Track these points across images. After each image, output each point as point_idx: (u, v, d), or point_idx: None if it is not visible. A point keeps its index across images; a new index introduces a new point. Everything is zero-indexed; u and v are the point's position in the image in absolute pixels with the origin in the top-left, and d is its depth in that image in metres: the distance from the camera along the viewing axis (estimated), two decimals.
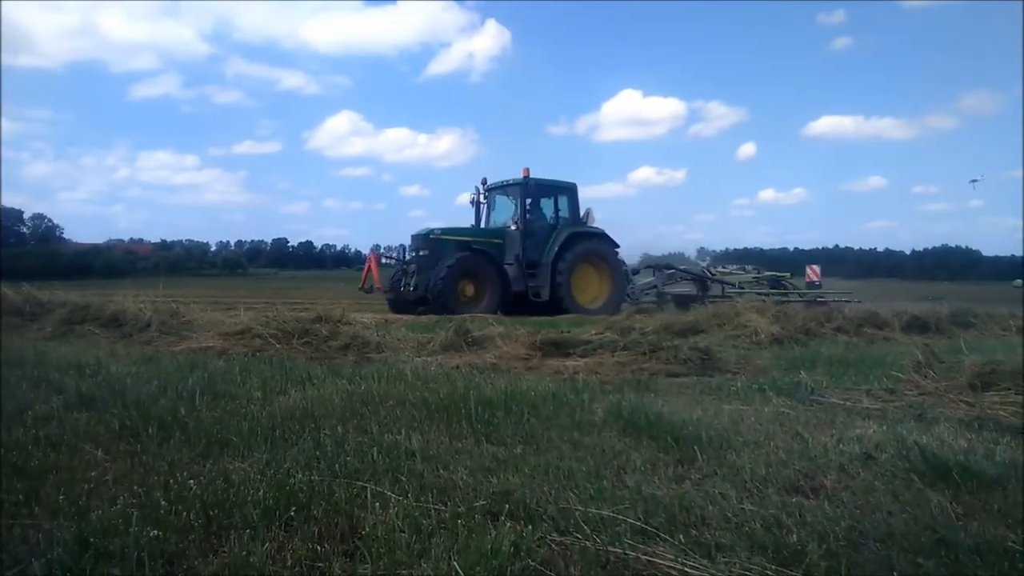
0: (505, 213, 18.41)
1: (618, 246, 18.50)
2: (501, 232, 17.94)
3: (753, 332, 9.59)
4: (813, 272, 21.84)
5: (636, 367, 6.50)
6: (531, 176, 17.59)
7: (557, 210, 18.46)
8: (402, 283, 17.38)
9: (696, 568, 2.12)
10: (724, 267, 22.46)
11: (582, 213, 18.33)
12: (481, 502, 2.61)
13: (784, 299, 18.89)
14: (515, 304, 16.72)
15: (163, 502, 2.52)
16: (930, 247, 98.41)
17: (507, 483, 2.85)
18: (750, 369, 6.58)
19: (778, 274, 21.92)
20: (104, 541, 2.19)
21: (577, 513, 2.51)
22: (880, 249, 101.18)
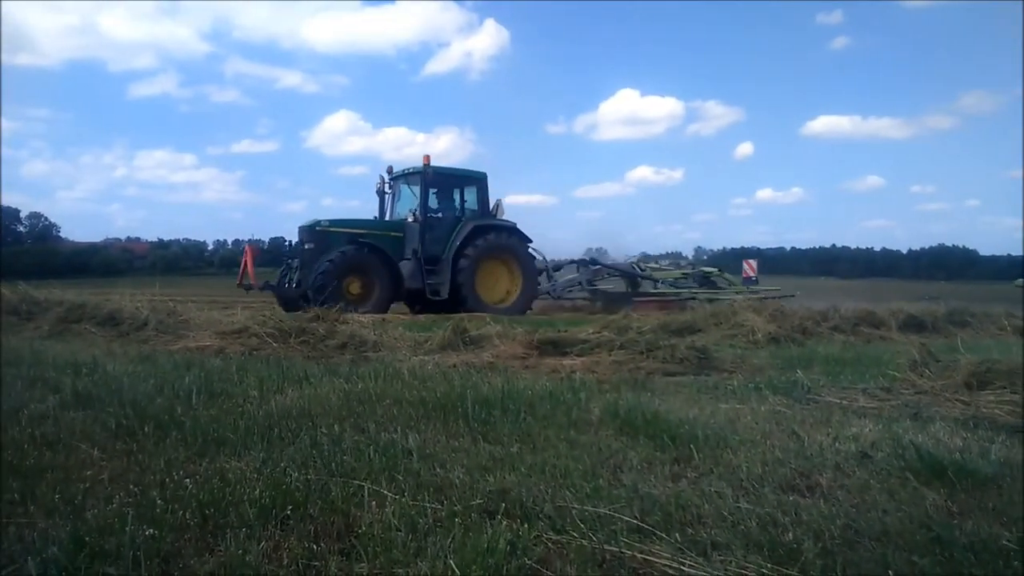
0: (409, 204, 17.13)
1: (530, 240, 17.45)
2: (401, 225, 16.68)
3: (750, 331, 9.60)
4: (750, 267, 21.13)
5: (633, 366, 6.51)
6: (433, 164, 16.43)
7: (463, 201, 17.37)
8: (287, 279, 16.12)
9: (692, 566, 2.12)
10: (657, 263, 21.54)
11: (492, 205, 17.22)
12: (478, 501, 2.61)
13: (715, 297, 18.38)
14: (411, 302, 16.04)
15: (159, 501, 2.52)
16: (927, 247, 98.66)
17: (504, 482, 2.86)
18: (747, 368, 6.59)
19: (707, 270, 20.95)
20: (100, 540, 2.19)
21: (574, 511, 2.51)
22: (877, 248, 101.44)
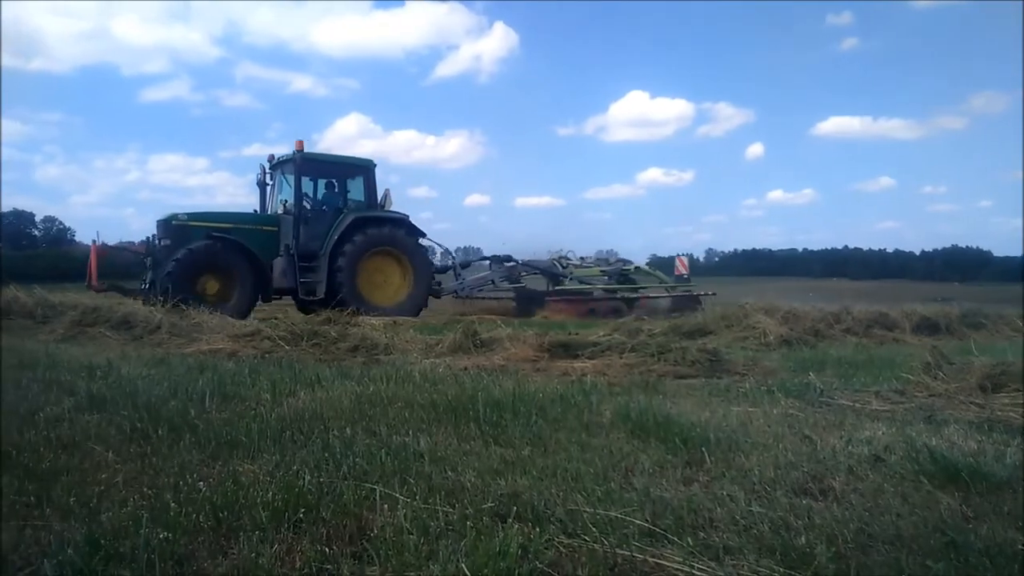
0: (287, 196, 15.34)
1: (423, 234, 15.89)
2: (276, 219, 15.01)
3: (762, 333, 9.57)
4: (682, 265, 20.11)
5: (644, 369, 6.50)
6: (308, 150, 14.93)
7: (345, 192, 15.76)
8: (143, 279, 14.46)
9: (704, 570, 2.12)
10: (583, 259, 20.09)
11: (380, 196, 15.61)
12: (489, 504, 2.62)
13: (633, 295, 17.86)
14: (302, 303, 14.46)
15: (173, 504, 2.53)
16: (940, 248, 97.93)
17: (515, 485, 2.86)
18: (758, 371, 6.56)
19: (624, 268, 19.61)
20: (114, 542, 2.20)
21: (585, 515, 2.51)
22: (890, 250, 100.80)
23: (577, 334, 8.12)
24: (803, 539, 2.33)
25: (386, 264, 15.33)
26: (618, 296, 18.04)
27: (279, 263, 14.42)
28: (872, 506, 2.72)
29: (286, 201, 15.03)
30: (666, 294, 18.35)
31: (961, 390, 5.08)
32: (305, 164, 14.85)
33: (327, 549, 2.25)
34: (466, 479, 2.92)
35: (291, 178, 14.96)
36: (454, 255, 18.33)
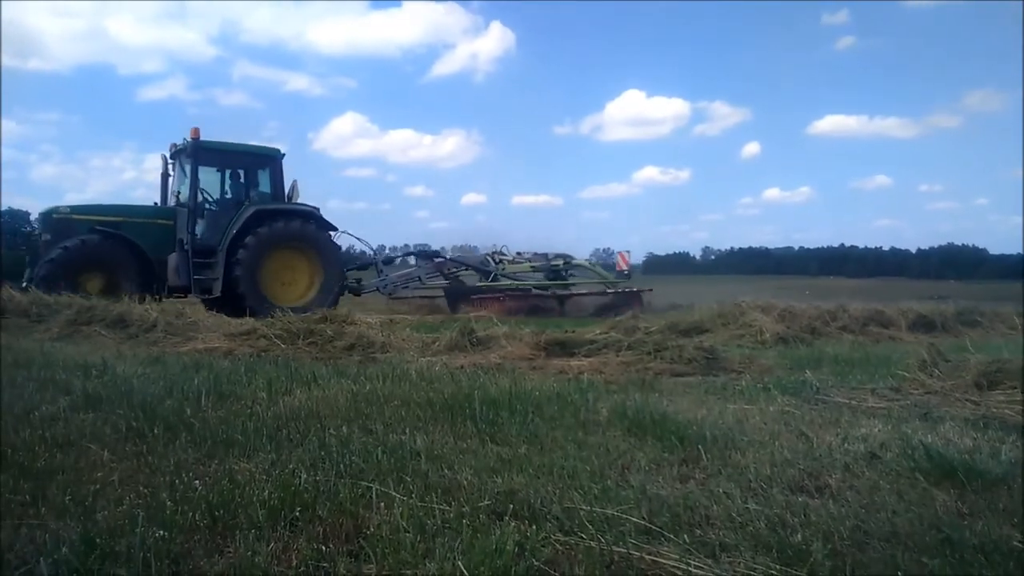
0: (182, 187, 14.34)
1: (334, 228, 14.99)
2: (171, 211, 14.05)
3: (758, 331, 9.59)
4: (623, 260, 19.58)
5: (641, 367, 6.50)
6: (206, 138, 13.99)
7: (247, 183, 14.72)
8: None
9: (700, 568, 2.12)
10: (519, 254, 19.59)
11: (287, 188, 14.69)
12: (485, 502, 2.61)
13: (564, 292, 17.48)
14: (219, 303, 13.19)
15: (169, 502, 2.53)
16: (936, 246, 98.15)
17: (511, 483, 2.86)
18: (755, 368, 6.57)
19: (553, 264, 18.90)
20: (110, 541, 2.20)
21: (582, 513, 2.51)
22: (886, 248, 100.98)
23: (574, 332, 8.12)
24: (799, 536, 2.33)
25: (293, 260, 14.38)
26: (549, 293, 17.58)
27: (173, 259, 13.43)
28: (868, 503, 2.73)
29: (179, 192, 14.07)
30: (601, 291, 17.98)
31: (957, 387, 5.09)
32: (202, 153, 13.93)
33: (323, 547, 2.24)
34: (462, 477, 2.92)
35: (187, 168, 14.03)
36: (375, 251, 17.48)
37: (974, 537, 2.34)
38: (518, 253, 19.48)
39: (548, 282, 18.26)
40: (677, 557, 2.17)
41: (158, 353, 7.22)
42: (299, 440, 3.51)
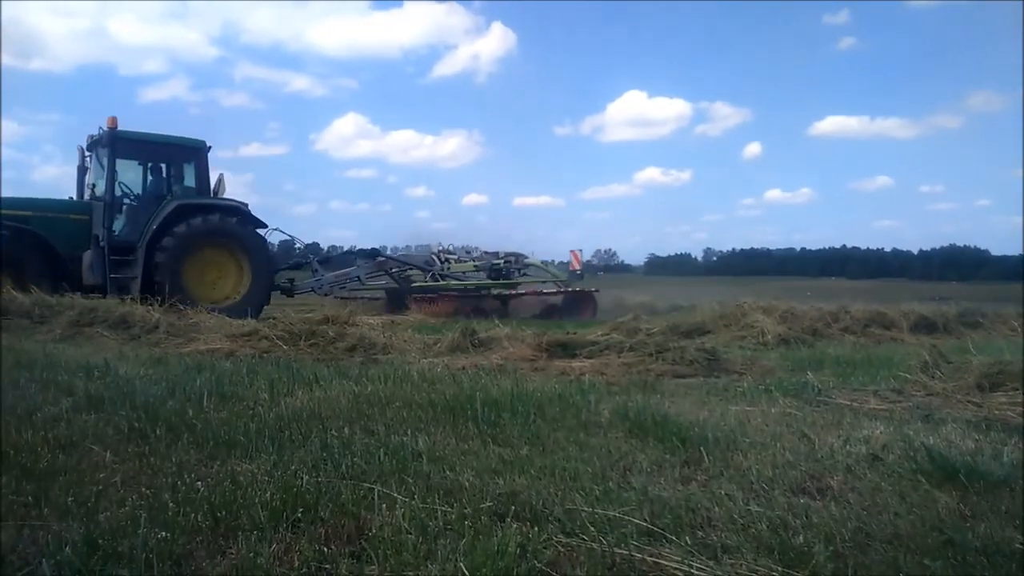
0: (98, 179, 13.48)
1: (263, 224, 14.32)
2: (87, 206, 13.19)
3: (760, 333, 9.59)
4: (576, 258, 18.55)
5: (642, 368, 6.50)
6: (124, 128, 13.22)
7: (170, 177, 13.98)
8: None
9: (702, 569, 2.12)
10: (468, 252, 18.85)
11: (213, 182, 14.02)
12: (487, 503, 2.61)
13: (505, 292, 16.79)
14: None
15: (171, 504, 2.53)
16: (938, 247, 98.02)
17: (513, 484, 2.86)
18: (756, 370, 6.56)
19: (495, 263, 17.98)
20: (113, 542, 2.20)
21: (583, 514, 2.51)
22: (888, 249, 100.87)
23: (575, 333, 8.12)
24: (801, 538, 2.33)
25: (219, 258, 13.65)
26: (492, 293, 16.93)
27: (87, 256, 12.63)
28: (870, 505, 2.73)
29: (94, 185, 13.29)
30: (549, 291, 17.47)
31: (959, 389, 5.09)
32: (120, 144, 13.12)
33: (325, 549, 2.24)
34: (464, 478, 2.92)
35: (104, 160, 13.17)
36: (310, 249, 17.16)
37: (976, 539, 2.34)
38: (467, 251, 18.86)
39: (490, 281, 17.49)
40: (679, 559, 2.17)
41: (160, 354, 7.23)
42: (301, 441, 3.51)
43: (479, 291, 17.19)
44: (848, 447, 3.55)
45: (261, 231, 14.51)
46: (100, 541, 2.20)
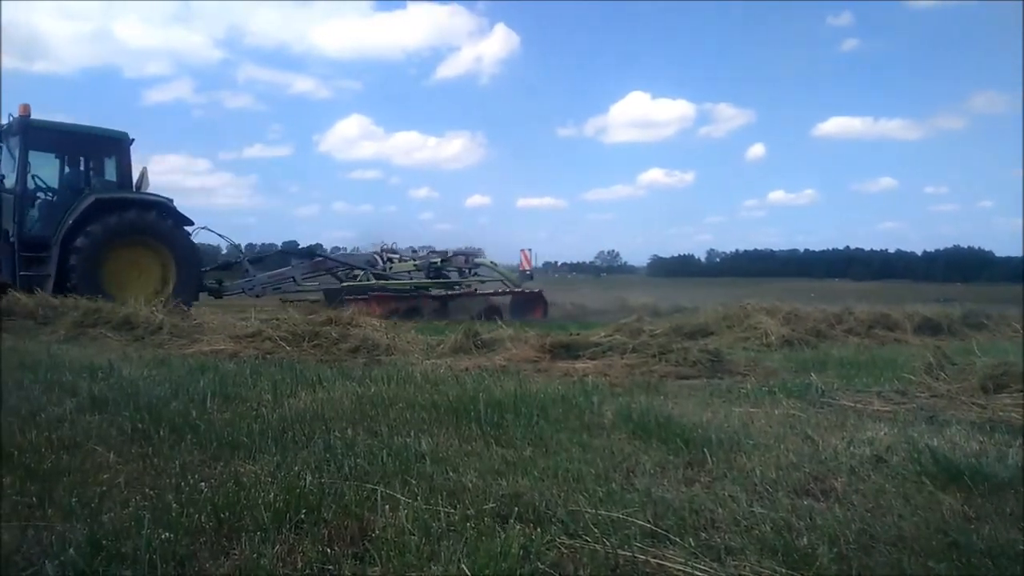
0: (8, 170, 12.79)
1: (189, 222, 13.67)
2: None
3: (763, 334, 9.57)
4: (525, 259, 17.97)
5: (646, 369, 6.49)
6: (36, 116, 12.54)
7: (88, 170, 13.37)
8: None
9: (706, 571, 2.11)
10: (415, 252, 18.22)
11: (136, 176, 13.33)
12: (491, 505, 2.61)
13: (446, 293, 16.09)
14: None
15: (175, 504, 2.53)
16: (942, 248, 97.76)
17: (516, 485, 2.86)
18: (760, 371, 6.55)
19: (435, 260, 17.37)
20: (116, 543, 2.20)
21: (587, 516, 2.51)
22: (891, 250, 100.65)
23: (579, 335, 8.12)
24: (805, 540, 2.33)
25: (141, 257, 12.92)
26: (431, 293, 16.28)
27: None
28: (874, 507, 2.72)
29: (3, 177, 12.52)
30: (487, 291, 16.92)
31: (963, 391, 5.07)
32: (33, 133, 12.41)
33: (329, 550, 2.25)
34: (467, 480, 2.92)
35: (15, 150, 12.52)
36: (241, 249, 16.20)
37: (981, 541, 2.33)
38: (413, 251, 18.23)
39: (428, 281, 16.85)
40: (682, 560, 2.17)
41: (164, 355, 7.24)
42: (304, 442, 3.52)
43: (417, 292, 16.38)
44: (852, 449, 3.54)
45: (187, 229, 13.83)
46: (104, 542, 2.20)
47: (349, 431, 3.73)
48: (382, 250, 17.90)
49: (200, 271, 14.11)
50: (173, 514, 2.45)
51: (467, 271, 17.78)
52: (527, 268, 17.93)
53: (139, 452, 3.31)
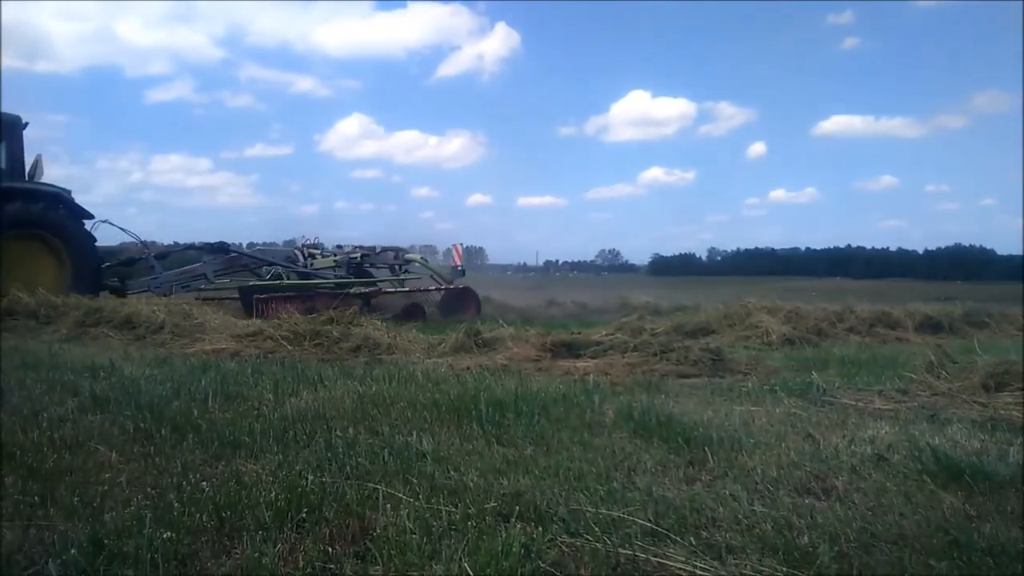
0: None
1: (88, 215, 12.79)
2: None
3: (764, 333, 9.56)
4: (457, 253, 17.11)
5: (647, 368, 6.49)
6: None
7: None
8: None
9: (707, 570, 2.12)
10: (340, 247, 17.12)
11: (29, 165, 12.52)
12: (492, 503, 2.62)
13: (368, 290, 14.72)
14: None
15: (176, 504, 2.54)
16: (943, 246, 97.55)
17: (518, 484, 2.86)
18: (761, 370, 6.55)
19: (352, 256, 16.34)
20: (118, 542, 2.21)
21: (588, 514, 2.51)
22: (893, 249, 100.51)
23: (580, 333, 8.12)
24: (806, 538, 2.33)
25: (31, 251, 11.95)
26: (351, 292, 14.57)
27: None
28: (875, 505, 2.72)
29: None
30: (420, 288, 15.82)
31: (964, 389, 5.07)
32: None
33: (330, 549, 2.25)
34: (469, 479, 2.92)
35: None
36: (145, 244, 14.90)
37: (982, 540, 2.34)
38: (338, 246, 17.12)
39: (350, 279, 15.64)
40: (683, 559, 2.17)
41: (165, 354, 7.25)
42: (306, 441, 3.52)
43: (341, 290, 14.84)
44: (853, 447, 3.54)
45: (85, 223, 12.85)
46: (106, 541, 2.21)
47: (350, 430, 3.74)
48: (303, 246, 16.90)
49: (98, 267, 13.17)
50: (175, 513, 2.45)
51: (398, 268, 16.79)
52: (458, 264, 17.04)
53: (141, 451, 3.31)
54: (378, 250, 16.75)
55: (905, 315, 11.26)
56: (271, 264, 15.88)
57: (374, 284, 15.80)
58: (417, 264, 16.80)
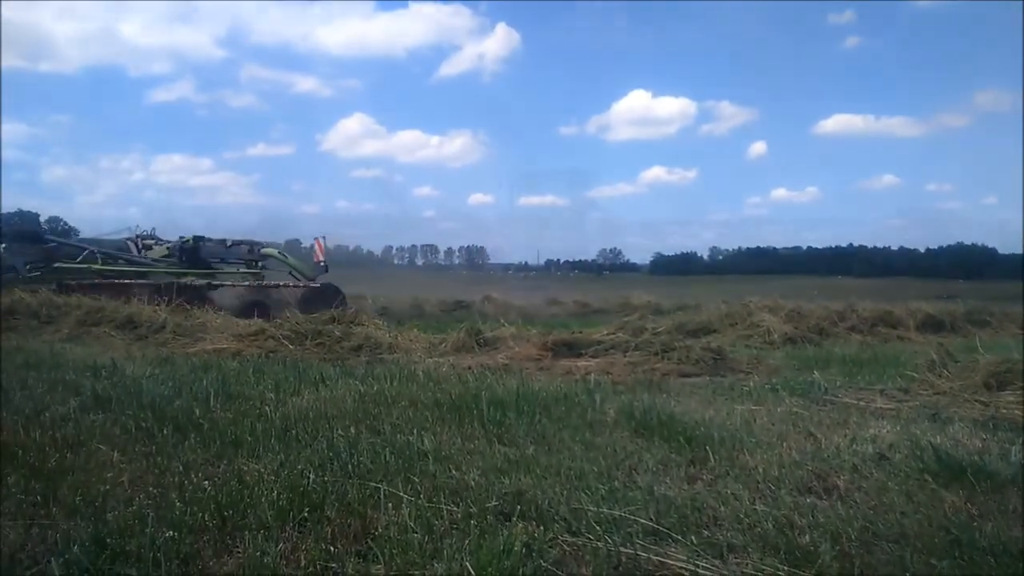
0: None
1: None
2: None
3: (766, 332, 9.57)
4: (319, 248, 16.14)
5: (648, 367, 6.49)
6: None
7: None
8: None
9: (708, 569, 2.12)
10: (182, 239, 15.95)
11: None
12: (493, 503, 2.62)
13: (207, 282, 13.43)
14: None
15: (178, 503, 2.54)
16: (945, 245, 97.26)
17: (519, 484, 2.86)
18: (763, 369, 6.55)
19: (185, 242, 15.34)
20: (120, 541, 2.21)
21: (589, 514, 2.51)
22: (895, 247, 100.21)
23: (581, 333, 8.12)
24: (807, 537, 2.33)
25: None
26: (186, 283, 13.53)
27: None
28: (876, 504, 2.72)
29: None
30: (243, 284, 14.18)
31: (966, 388, 5.07)
32: None
33: (332, 548, 2.25)
34: (470, 478, 2.92)
35: None
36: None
37: (983, 539, 2.33)
38: (181, 238, 15.91)
39: (183, 270, 14.64)
40: (685, 558, 2.17)
41: (167, 354, 7.26)
42: (307, 441, 3.52)
43: (171, 280, 13.82)
44: (854, 446, 3.54)
45: None
46: (108, 540, 2.21)
47: (352, 429, 3.74)
48: (137, 237, 15.98)
49: None
50: (177, 512, 2.45)
51: (254, 262, 15.72)
52: (321, 259, 15.93)
53: (143, 450, 3.32)
54: (229, 243, 15.88)
55: (907, 314, 11.26)
56: (99, 253, 14.80)
57: (212, 276, 14.55)
58: (274, 259, 15.83)
